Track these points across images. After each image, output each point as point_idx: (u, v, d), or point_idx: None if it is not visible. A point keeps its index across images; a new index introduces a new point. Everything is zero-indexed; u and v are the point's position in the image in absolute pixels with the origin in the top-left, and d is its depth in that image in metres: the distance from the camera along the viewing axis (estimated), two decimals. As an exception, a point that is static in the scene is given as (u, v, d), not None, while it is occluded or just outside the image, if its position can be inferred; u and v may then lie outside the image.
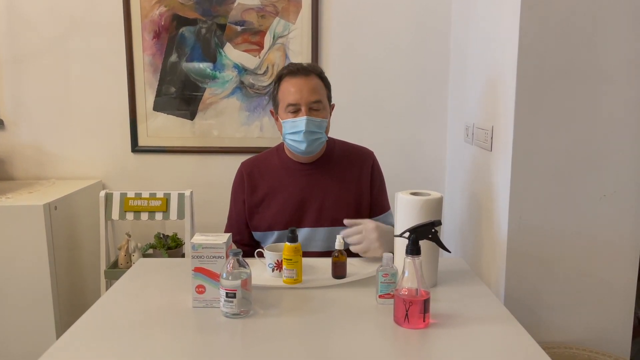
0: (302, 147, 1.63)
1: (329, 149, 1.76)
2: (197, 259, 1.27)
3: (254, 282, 1.31)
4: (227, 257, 1.27)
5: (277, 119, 1.72)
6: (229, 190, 1.83)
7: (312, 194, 1.70)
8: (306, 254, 1.65)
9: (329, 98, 1.71)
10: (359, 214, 1.72)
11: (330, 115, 1.73)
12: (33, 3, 2.38)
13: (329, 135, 1.80)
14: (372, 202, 1.76)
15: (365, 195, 1.74)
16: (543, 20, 1.56)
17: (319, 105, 1.64)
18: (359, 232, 1.55)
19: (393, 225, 1.71)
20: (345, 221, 1.57)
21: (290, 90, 1.63)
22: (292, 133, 1.63)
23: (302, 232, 1.70)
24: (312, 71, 1.66)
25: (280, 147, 1.79)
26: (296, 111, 1.63)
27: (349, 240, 1.55)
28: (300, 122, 1.61)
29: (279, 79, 1.68)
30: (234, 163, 1.89)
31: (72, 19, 2.39)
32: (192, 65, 2.42)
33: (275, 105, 1.71)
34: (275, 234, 1.71)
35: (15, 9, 2.38)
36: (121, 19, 2.38)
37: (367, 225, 1.55)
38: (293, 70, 1.65)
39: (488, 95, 1.85)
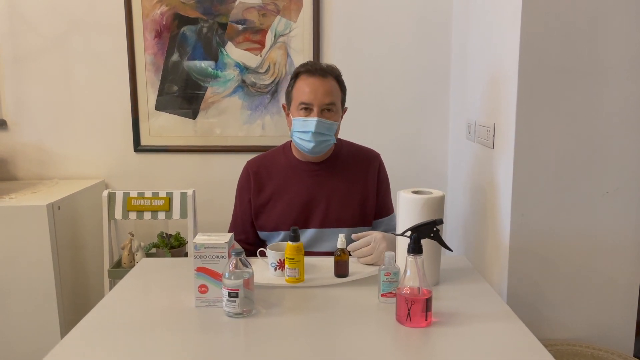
0: (309, 146, 1.63)
1: (337, 149, 1.76)
2: (199, 259, 1.28)
3: (256, 281, 1.32)
4: (229, 256, 1.27)
5: (288, 114, 1.72)
6: (231, 189, 1.83)
7: (319, 194, 1.70)
8: (313, 254, 1.66)
9: (343, 101, 1.70)
10: (364, 216, 1.72)
11: (342, 118, 1.72)
12: (34, 3, 2.38)
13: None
14: (378, 205, 1.76)
15: (371, 197, 1.74)
16: (545, 17, 1.56)
17: (332, 107, 1.63)
18: (367, 243, 1.55)
19: None
20: (354, 236, 1.58)
21: (305, 89, 1.62)
22: (301, 132, 1.62)
23: (309, 233, 1.70)
24: (330, 73, 1.64)
25: (287, 146, 1.79)
26: (308, 111, 1.62)
27: (358, 253, 1.56)
28: (311, 122, 1.60)
29: (295, 76, 1.67)
30: (237, 162, 1.90)
31: (73, 19, 2.40)
32: (193, 64, 2.43)
33: (289, 101, 1.70)
34: (282, 234, 1.71)
35: (16, 9, 2.38)
36: (122, 18, 2.38)
37: (376, 236, 1.56)
38: (311, 70, 1.63)
39: (490, 93, 1.85)
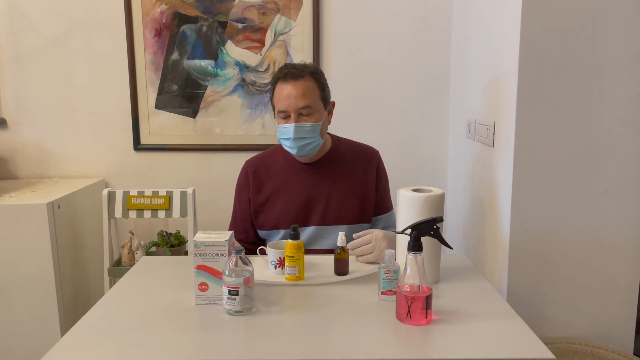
0: (294, 152, 1.64)
1: (334, 147, 1.76)
2: (199, 257, 1.28)
3: (256, 279, 1.32)
4: (229, 254, 1.27)
5: None
6: (231, 187, 1.83)
7: (318, 192, 1.70)
8: (313, 252, 1.66)
9: (325, 98, 1.66)
10: (363, 213, 1.72)
11: (331, 113, 1.72)
12: (34, 2, 2.38)
13: (334, 133, 1.80)
14: (377, 202, 1.76)
15: (371, 194, 1.74)
16: (544, 16, 1.56)
17: (309, 110, 1.60)
18: (368, 241, 1.55)
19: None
20: (355, 235, 1.58)
21: (280, 96, 1.61)
22: (283, 139, 1.63)
23: (309, 231, 1.70)
24: (302, 74, 1.60)
25: None
26: (286, 117, 1.62)
27: (359, 251, 1.55)
28: (289, 129, 1.59)
29: (274, 82, 1.65)
30: (236, 161, 1.90)
31: (73, 18, 2.40)
32: (193, 63, 2.43)
33: (273, 107, 1.70)
34: (281, 232, 1.71)
35: (16, 8, 2.38)
36: (122, 17, 2.38)
37: (377, 235, 1.55)
38: (283, 75, 1.61)
39: (490, 91, 1.85)
